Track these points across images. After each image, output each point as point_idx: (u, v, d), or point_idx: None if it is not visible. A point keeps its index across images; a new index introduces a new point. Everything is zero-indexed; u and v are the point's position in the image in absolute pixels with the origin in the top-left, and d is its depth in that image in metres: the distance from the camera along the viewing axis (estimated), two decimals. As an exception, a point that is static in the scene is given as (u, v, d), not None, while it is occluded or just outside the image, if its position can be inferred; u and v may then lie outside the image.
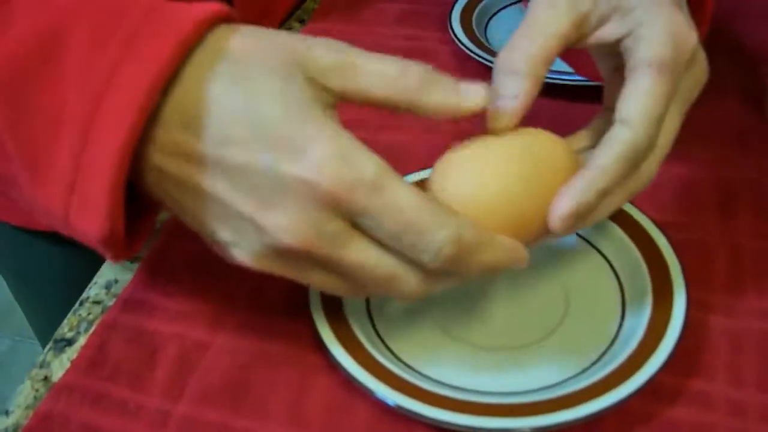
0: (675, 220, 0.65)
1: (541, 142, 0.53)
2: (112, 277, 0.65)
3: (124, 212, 0.48)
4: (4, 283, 1.04)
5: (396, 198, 0.46)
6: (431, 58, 0.87)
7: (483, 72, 0.83)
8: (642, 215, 0.62)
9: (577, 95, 0.79)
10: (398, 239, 0.46)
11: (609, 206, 0.52)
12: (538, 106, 0.76)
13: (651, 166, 0.53)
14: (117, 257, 0.52)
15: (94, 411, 0.55)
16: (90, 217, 0.47)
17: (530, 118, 0.73)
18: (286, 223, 0.46)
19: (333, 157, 0.45)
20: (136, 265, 0.65)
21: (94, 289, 0.64)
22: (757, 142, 0.73)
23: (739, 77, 0.82)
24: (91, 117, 0.46)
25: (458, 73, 0.82)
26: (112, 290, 0.64)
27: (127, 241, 0.51)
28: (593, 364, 0.55)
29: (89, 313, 0.62)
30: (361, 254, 0.47)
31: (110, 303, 0.63)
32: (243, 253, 0.49)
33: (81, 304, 0.63)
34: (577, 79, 0.78)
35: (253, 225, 0.47)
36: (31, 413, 0.56)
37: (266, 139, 0.45)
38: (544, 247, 0.58)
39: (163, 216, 0.69)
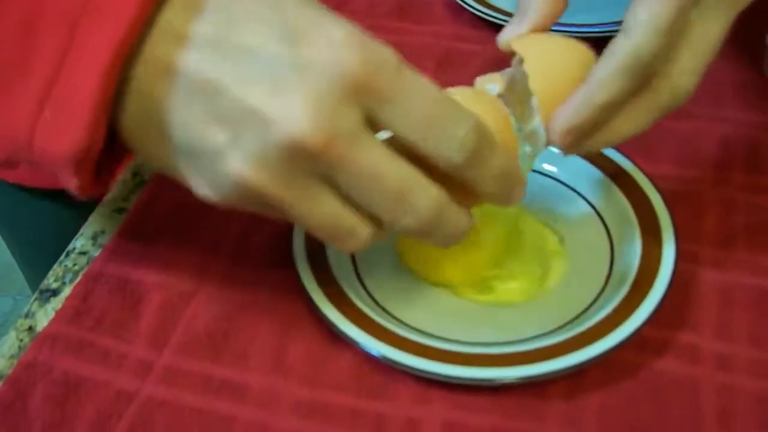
0: (668, 173, 0.64)
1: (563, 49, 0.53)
2: (98, 228, 0.64)
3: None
4: (5, 245, 1.04)
5: (421, 83, 0.43)
6: (427, 11, 0.86)
7: (477, 24, 0.83)
8: (633, 167, 0.61)
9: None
10: (424, 129, 0.42)
11: (630, 123, 0.50)
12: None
13: (682, 79, 0.48)
14: (83, 187, 0.47)
15: (77, 360, 0.55)
16: (65, 130, 0.43)
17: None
18: (300, 112, 0.40)
19: (358, 36, 0.42)
20: (122, 216, 0.65)
21: (80, 240, 0.64)
22: (754, 97, 0.72)
23: (737, 32, 0.80)
24: (80, 13, 0.41)
25: (452, 26, 0.82)
26: (99, 241, 0.63)
27: (94, 179, 0.47)
28: (579, 315, 0.54)
29: (75, 264, 0.62)
30: (375, 156, 0.43)
31: (96, 254, 0.62)
32: (237, 161, 0.42)
33: (67, 255, 0.63)
34: (599, 30, 0.78)
35: (258, 118, 0.41)
36: (15, 362, 0.55)
37: (282, 20, 0.42)
38: (533, 197, 0.58)
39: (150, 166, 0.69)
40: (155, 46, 0.43)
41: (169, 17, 0.43)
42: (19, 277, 1.23)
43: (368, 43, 0.42)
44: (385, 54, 0.42)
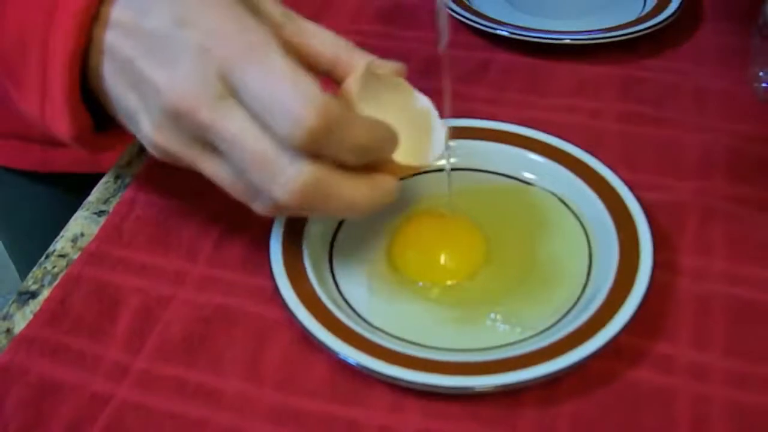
0: (648, 181, 0.64)
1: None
2: (78, 231, 0.64)
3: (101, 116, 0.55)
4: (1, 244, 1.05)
5: (276, 64, 0.47)
6: (412, 16, 0.86)
7: (461, 30, 0.83)
8: (612, 174, 0.61)
9: (556, 53, 0.79)
10: (267, 106, 0.47)
11: None
12: (520, 63, 0.77)
13: None
14: (96, 152, 0.58)
15: (53, 363, 0.55)
16: (59, 118, 0.53)
17: (509, 75, 0.73)
18: (178, 82, 0.48)
19: (231, 25, 0.48)
20: (102, 219, 0.65)
21: (60, 243, 0.64)
22: (736, 105, 0.72)
23: (723, 40, 0.81)
24: (48, 25, 0.51)
25: (436, 32, 0.82)
26: (78, 243, 0.63)
27: (107, 140, 0.58)
28: (555, 323, 0.54)
29: (54, 266, 0.62)
30: (238, 125, 0.47)
31: (75, 256, 0.62)
32: (146, 122, 0.51)
33: (47, 257, 0.63)
34: (554, 37, 0.77)
35: (152, 87, 0.49)
36: (-8, 364, 0.55)
37: (177, 8, 0.49)
38: (510, 201, 0.58)
39: (133, 170, 0.69)
40: (96, 32, 0.52)
41: (103, 9, 0.51)
42: (9, 277, 1.23)
43: (238, 29, 0.48)
44: (251, 37, 0.48)
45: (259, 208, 0.52)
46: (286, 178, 0.48)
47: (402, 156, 0.53)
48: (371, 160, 0.51)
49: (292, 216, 0.59)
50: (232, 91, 0.48)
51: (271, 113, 0.46)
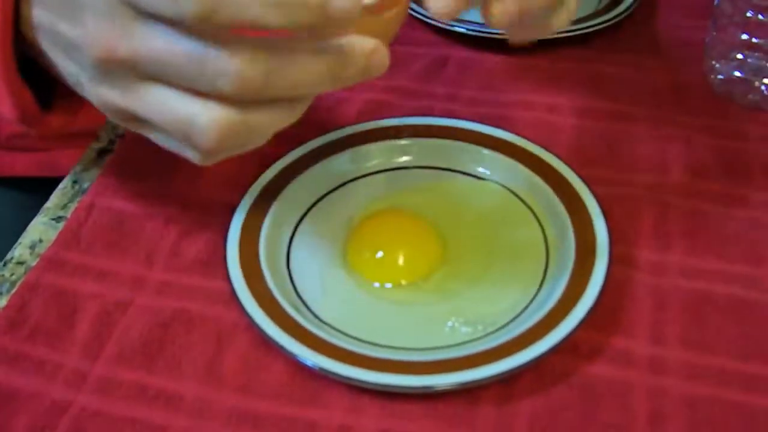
0: (604, 176, 0.65)
1: None
2: (36, 237, 0.64)
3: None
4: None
5: None
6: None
7: (417, 26, 0.83)
8: (568, 170, 0.61)
9: (513, 49, 0.79)
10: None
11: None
12: (476, 59, 0.77)
13: None
14: (45, 134, 0.61)
15: (12, 371, 0.55)
16: (3, 102, 0.55)
17: (466, 72, 0.74)
18: (86, 32, 0.47)
19: None
20: (60, 226, 0.64)
21: (18, 249, 0.63)
22: (693, 99, 0.73)
23: (680, 34, 0.81)
24: None
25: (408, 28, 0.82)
26: (36, 250, 0.63)
27: (56, 118, 0.59)
28: (513, 320, 0.55)
29: (12, 274, 0.61)
30: (160, 40, 0.45)
31: (34, 263, 0.62)
32: (86, 82, 0.50)
33: (5, 264, 0.62)
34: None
35: (75, 45, 0.49)
36: (-51, 373, 0.55)
37: None
38: (466, 199, 0.59)
39: (91, 175, 0.69)
40: (24, 9, 0.52)
41: None
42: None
43: None
44: None
45: (199, 140, 0.47)
46: (230, 67, 0.44)
47: None
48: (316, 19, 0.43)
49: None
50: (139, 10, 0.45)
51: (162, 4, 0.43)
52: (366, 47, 0.46)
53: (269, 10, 0.42)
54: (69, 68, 0.51)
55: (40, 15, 0.52)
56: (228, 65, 0.44)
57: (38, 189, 0.76)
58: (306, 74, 0.45)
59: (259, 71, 0.44)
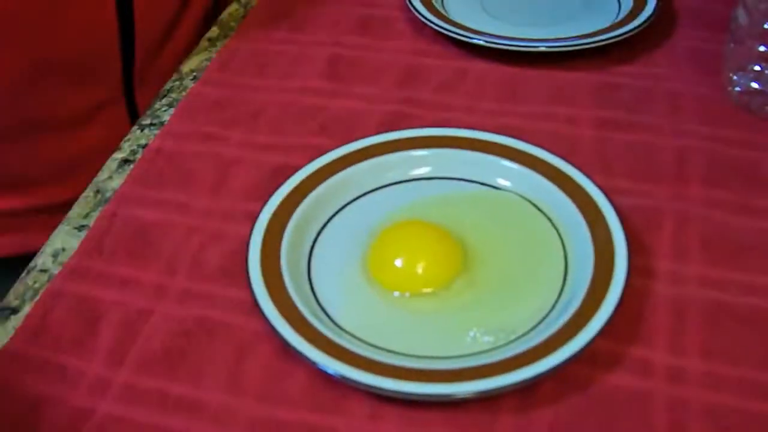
0: (624, 186, 0.65)
1: None
2: (59, 246, 0.65)
3: None
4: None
5: None
6: (388, 26, 0.87)
7: (438, 39, 0.83)
8: (587, 180, 0.62)
9: (532, 61, 0.79)
10: None
11: None
12: (495, 71, 0.78)
13: None
14: None
15: (35, 379, 0.55)
16: None
17: (485, 83, 0.74)
18: None
19: None
20: (83, 234, 0.65)
21: (41, 258, 0.64)
22: (712, 110, 0.73)
23: (698, 45, 0.81)
24: None
25: (413, 42, 0.83)
26: (59, 258, 0.64)
27: None
28: (532, 329, 0.55)
29: (35, 282, 0.62)
30: None
31: (56, 271, 0.62)
32: None
33: (28, 272, 0.63)
34: (529, 45, 0.78)
35: None
36: (-26, 381, 0.56)
37: None
38: (486, 209, 0.60)
39: (113, 184, 0.69)
40: None
41: None
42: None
43: None
44: None
45: None
46: None
47: None
48: None
49: None
50: None
51: None
52: None
53: None
54: None
55: None
56: None
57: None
58: None
59: None
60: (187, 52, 0.89)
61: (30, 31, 0.75)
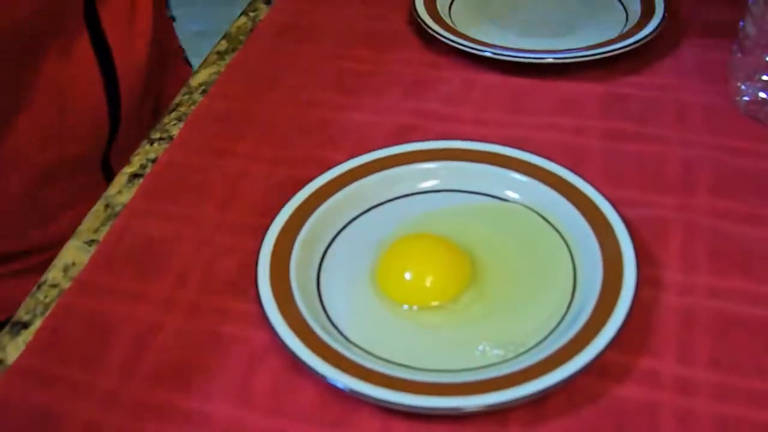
0: (631, 197, 0.65)
1: None
2: (69, 260, 0.65)
3: None
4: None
5: None
6: (396, 38, 0.87)
7: (445, 51, 0.83)
8: (595, 192, 0.62)
9: (540, 72, 0.79)
10: None
11: None
12: (503, 82, 0.78)
13: None
14: None
15: (46, 392, 0.55)
16: None
17: (493, 95, 0.74)
18: None
19: None
20: (93, 248, 0.65)
21: (52, 272, 0.64)
22: (719, 121, 0.73)
23: (705, 56, 0.82)
24: None
25: (421, 53, 0.83)
26: (69, 273, 0.64)
27: None
28: (540, 342, 0.55)
29: (46, 296, 0.62)
30: None
31: (67, 286, 0.63)
32: None
33: (39, 287, 0.63)
34: (537, 56, 0.78)
35: None
36: (-15, 396, 0.56)
37: None
38: (494, 221, 0.60)
39: (123, 199, 0.69)
40: None
41: None
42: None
43: None
44: None
45: None
46: None
47: None
48: None
49: None
50: None
51: None
52: None
53: None
54: None
55: None
56: None
57: None
58: None
59: None
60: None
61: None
